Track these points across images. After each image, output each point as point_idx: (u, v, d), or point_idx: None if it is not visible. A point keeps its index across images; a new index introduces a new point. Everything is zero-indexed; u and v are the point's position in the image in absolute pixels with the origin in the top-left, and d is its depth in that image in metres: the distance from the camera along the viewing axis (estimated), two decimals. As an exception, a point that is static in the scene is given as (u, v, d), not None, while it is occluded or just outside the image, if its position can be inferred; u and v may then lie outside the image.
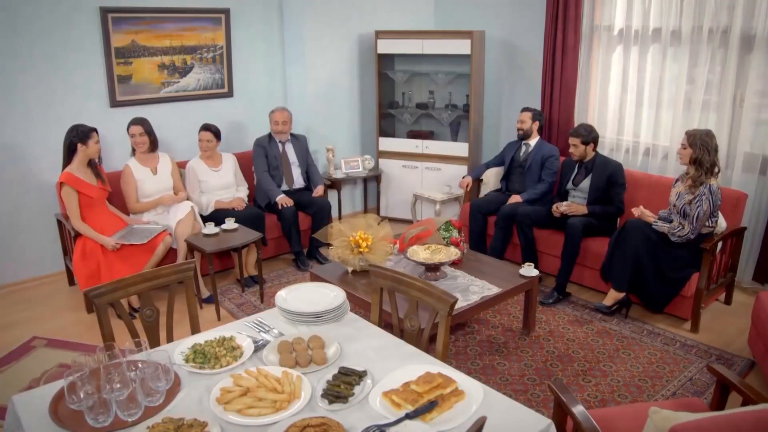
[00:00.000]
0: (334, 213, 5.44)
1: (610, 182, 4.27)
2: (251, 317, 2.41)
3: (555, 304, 4.21)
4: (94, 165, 4.00)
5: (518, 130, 4.91)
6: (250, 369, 1.93)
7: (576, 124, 5.13)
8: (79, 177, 3.88)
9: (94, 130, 3.92)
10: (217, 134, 4.62)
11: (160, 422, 1.67)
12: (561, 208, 4.28)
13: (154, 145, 4.41)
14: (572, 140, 4.35)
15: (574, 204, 4.32)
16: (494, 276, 3.67)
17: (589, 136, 4.30)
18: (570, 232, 4.15)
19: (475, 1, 5.83)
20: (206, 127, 4.59)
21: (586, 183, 4.39)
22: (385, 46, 5.67)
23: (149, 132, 4.35)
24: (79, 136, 3.86)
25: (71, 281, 4.54)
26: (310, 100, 5.59)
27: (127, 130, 4.35)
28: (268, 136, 4.97)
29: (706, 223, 3.73)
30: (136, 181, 4.31)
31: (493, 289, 3.49)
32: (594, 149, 4.37)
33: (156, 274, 2.44)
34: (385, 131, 6.04)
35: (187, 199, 4.49)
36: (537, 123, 4.87)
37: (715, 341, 3.69)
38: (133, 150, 4.41)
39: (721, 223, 3.88)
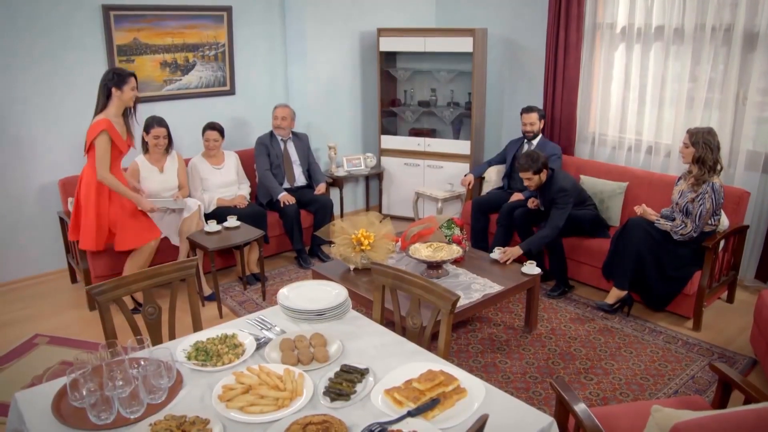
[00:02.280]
0: (336, 211, 5.45)
1: (552, 203, 4.10)
2: (253, 315, 2.41)
3: (561, 296, 4.22)
4: (127, 115, 3.72)
5: (527, 132, 4.85)
6: (252, 366, 1.94)
7: (578, 123, 5.14)
8: (115, 127, 3.60)
9: (133, 75, 3.63)
10: (222, 133, 4.64)
11: (162, 419, 1.68)
12: (501, 258, 3.90)
13: (170, 147, 4.38)
14: (524, 175, 4.12)
15: (509, 250, 3.95)
16: (496, 274, 3.68)
17: (538, 164, 4.06)
18: None
19: (477, -1, 5.83)
20: (212, 126, 4.59)
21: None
22: (387, 44, 5.66)
23: (170, 134, 4.32)
24: (114, 80, 3.56)
25: (73, 279, 4.55)
26: (312, 98, 5.59)
27: (147, 129, 4.24)
28: (269, 134, 4.97)
29: (709, 222, 3.73)
30: (141, 179, 4.26)
31: (495, 287, 3.49)
32: (548, 172, 4.14)
33: (158, 271, 2.44)
34: (387, 129, 6.04)
35: (190, 196, 4.49)
36: (542, 122, 4.87)
37: (717, 339, 3.69)
38: (144, 148, 4.33)
39: (724, 222, 3.87)
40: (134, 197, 3.77)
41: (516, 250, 3.99)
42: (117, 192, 3.70)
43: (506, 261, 3.88)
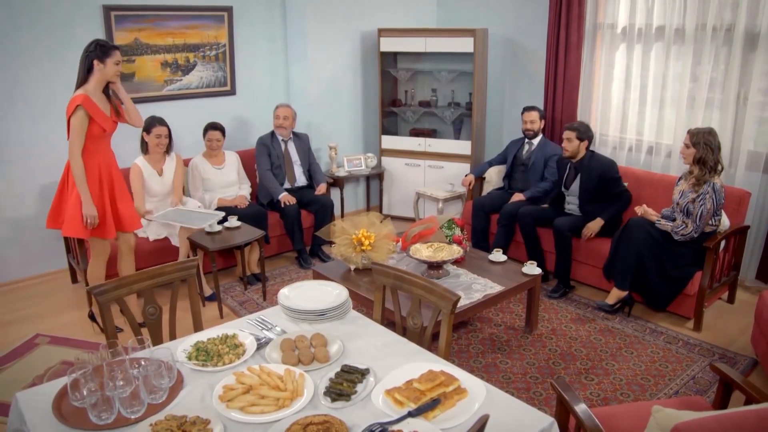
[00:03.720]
0: (337, 211, 5.45)
1: (603, 180, 4.22)
2: (254, 315, 2.41)
3: (562, 297, 4.23)
4: (108, 92, 3.44)
5: (527, 130, 4.86)
6: (253, 367, 1.94)
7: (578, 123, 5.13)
8: (95, 102, 3.32)
9: (117, 48, 3.37)
10: (224, 133, 4.65)
11: (162, 419, 1.68)
12: (584, 234, 4.19)
13: (170, 148, 4.34)
14: (567, 134, 4.27)
15: (591, 225, 4.20)
16: (497, 274, 3.68)
17: (586, 133, 4.24)
18: (557, 234, 4.21)
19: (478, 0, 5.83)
20: (214, 126, 4.60)
21: (575, 186, 4.36)
22: (388, 44, 5.66)
23: (170, 134, 4.29)
24: (97, 52, 3.28)
25: (74, 279, 4.55)
26: (313, 98, 5.59)
27: (148, 129, 4.19)
28: (270, 134, 4.97)
29: (710, 222, 3.72)
30: (145, 180, 4.25)
31: (496, 287, 3.49)
32: (587, 148, 4.31)
33: (159, 271, 2.44)
34: (388, 129, 6.04)
35: (190, 197, 4.49)
36: (543, 121, 4.87)
37: (717, 340, 3.68)
38: (143, 148, 4.29)
39: (725, 222, 3.87)
40: (85, 198, 3.36)
41: (596, 223, 4.18)
42: (75, 181, 3.34)
43: (589, 235, 4.12)
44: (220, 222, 4.27)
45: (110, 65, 3.31)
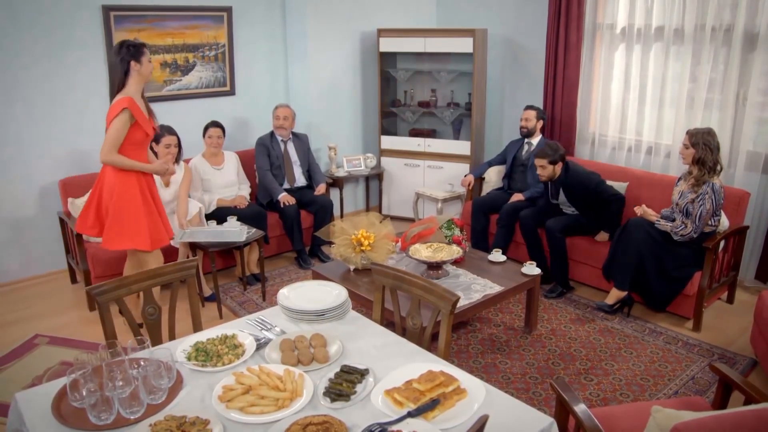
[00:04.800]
0: (336, 211, 5.45)
1: (589, 193, 4.21)
2: (253, 315, 2.41)
3: (559, 297, 4.22)
4: (144, 96, 3.33)
5: (522, 127, 4.88)
6: (252, 367, 1.94)
7: (578, 123, 5.14)
8: (139, 106, 3.20)
9: (145, 45, 3.26)
10: (224, 131, 4.65)
11: (162, 420, 1.68)
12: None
13: (179, 157, 4.22)
14: (539, 161, 4.21)
15: (598, 239, 4.27)
16: (496, 274, 3.68)
17: (556, 155, 4.15)
18: (549, 235, 4.22)
19: (478, 0, 5.82)
20: (215, 124, 4.61)
21: (562, 196, 4.38)
22: (388, 45, 5.66)
23: (180, 143, 4.18)
24: (131, 53, 3.16)
25: (73, 279, 4.55)
26: (313, 98, 5.59)
27: (157, 138, 4.04)
28: (270, 134, 4.97)
29: (709, 222, 3.73)
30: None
31: (495, 288, 3.49)
32: (563, 165, 4.23)
33: (158, 272, 2.44)
34: (387, 129, 6.04)
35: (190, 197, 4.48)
36: (541, 122, 4.85)
37: (717, 340, 3.69)
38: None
39: (724, 222, 3.87)
40: (151, 168, 3.32)
41: (602, 237, 4.24)
42: (130, 168, 3.25)
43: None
44: (220, 222, 4.27)
45: (146, 63, 3.24)
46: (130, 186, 3.28)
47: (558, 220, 4.27)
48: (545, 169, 4.20)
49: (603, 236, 4.25)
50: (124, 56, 3.18)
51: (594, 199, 4.22)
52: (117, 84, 3.22)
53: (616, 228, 4.12)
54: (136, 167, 3.27)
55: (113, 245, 3.34)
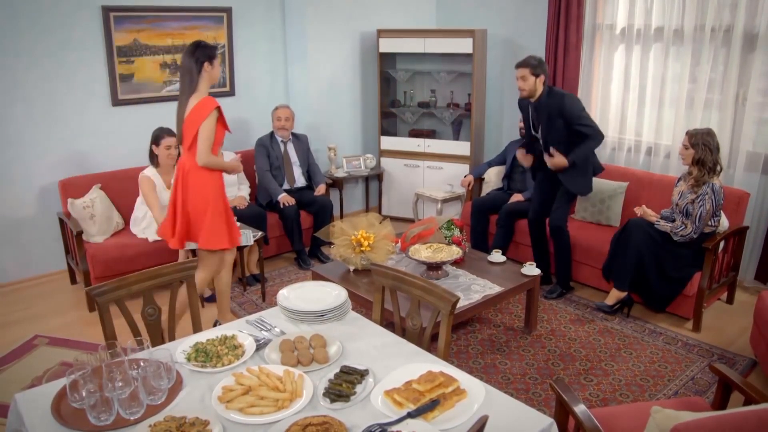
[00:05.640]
0: (336, 212, 5.45)
1: (565, 117, 3.83)
2: (253, 316, 2.42)
3: (559, 298, 4.22)
4: None
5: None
6: (252, 367, 1.94)
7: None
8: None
9: (216, 47, 3.18)
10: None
11: (162, 421, 1.68)
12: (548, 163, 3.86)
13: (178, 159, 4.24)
14: (520, 72, 3.85)
15: (555, 160, 3.89)
16: (496, 275, 3.68)
17: (540, 68, 3.85)
18: (554, 233, 4.16)
19: (477, 0, 5.82)
20: None
21: (545, 131, 4.02)
22: (387, 45, 5.66)
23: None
24: (207, 54, 3.16)
25: (73, 280, 4.54)
26: (312, 99, 5.59)
27: (157, 141, 4.12)
28: (269, 135, 4.97)
29: (709, 223, 3.73)
30: (158, 194, 4.17)
31: (495, 288, 3.49)
32: (544, 83, 3.90)
33: (158, 272, 2.44)
34: (387, 130, 6.04)
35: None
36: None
37: (717, 340, 3.69)
38: (153, 161, 4.21)
39: (724, 223, 3.87)
40: (231, 166, 3.37)
41: (560, 159, 3.87)
42: (220, 168, 3.29)
43: (556, 168, 3.79)
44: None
45: (216, 66, 3.24)
46: (219, 186, 3.32)
47: (559, 211, 4.14)
48: (526, 81, 3.85)
49: (561, 160, 3.88)
50: (200, 57, 3.15)
51: (575, 132, 3.88)
52: (189, 85, 3.21)
53: (581, 162, 3.90)
54: (224, 167, 3.35)
55: (216, 245, 3.30)
